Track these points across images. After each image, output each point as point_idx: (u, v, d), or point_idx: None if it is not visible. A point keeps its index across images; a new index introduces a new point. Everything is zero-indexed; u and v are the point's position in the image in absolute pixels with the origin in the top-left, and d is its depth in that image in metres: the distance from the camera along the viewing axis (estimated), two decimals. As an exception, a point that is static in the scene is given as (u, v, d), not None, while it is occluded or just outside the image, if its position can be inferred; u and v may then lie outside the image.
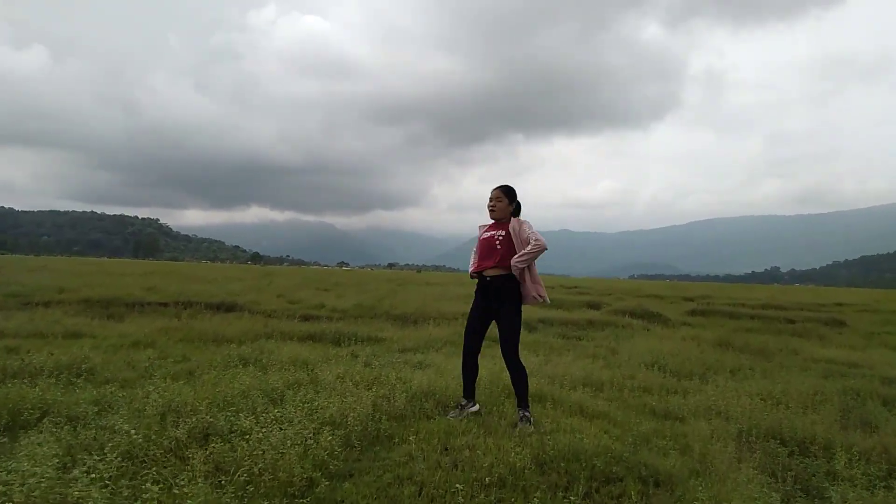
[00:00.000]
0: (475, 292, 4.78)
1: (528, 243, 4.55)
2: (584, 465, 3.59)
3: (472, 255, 4.87)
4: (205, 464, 3.17)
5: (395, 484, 3.30)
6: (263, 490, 3.01)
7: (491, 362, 6.23)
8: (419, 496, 3.16)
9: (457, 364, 6.39)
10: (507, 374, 4.76)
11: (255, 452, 3.27)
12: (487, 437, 3.97)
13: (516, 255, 4.56)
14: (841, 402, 6.24)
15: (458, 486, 3.09)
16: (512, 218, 4.74)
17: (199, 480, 2.90)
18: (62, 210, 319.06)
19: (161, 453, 3.30)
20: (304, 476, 3.18)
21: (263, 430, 3.61)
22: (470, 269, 4.85)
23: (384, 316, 13.21)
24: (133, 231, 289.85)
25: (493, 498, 3.17)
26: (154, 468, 3.13)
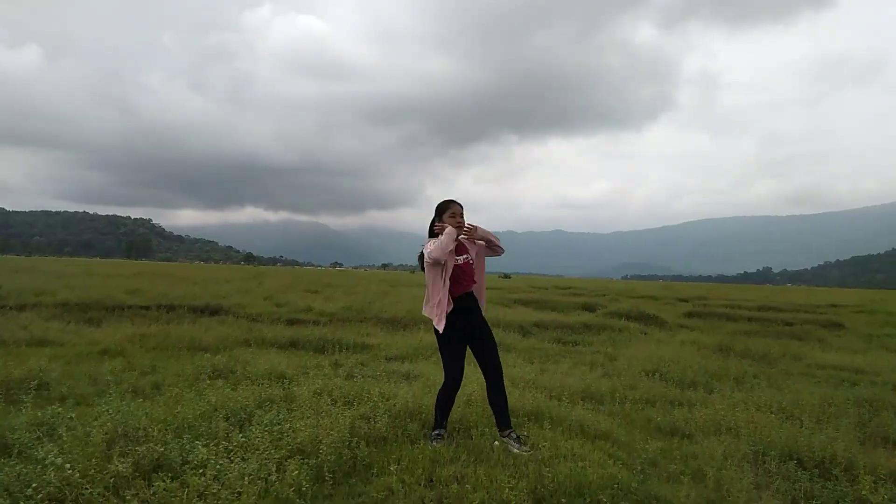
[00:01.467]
0: (451, 318, 4.12)
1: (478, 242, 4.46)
2: (588, 499, 3.15)
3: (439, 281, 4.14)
4: (147, 506, 2.72)
5: (371, 528, 2.85)
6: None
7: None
8: (398, 544, 2.71)
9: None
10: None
11: (207, 491, 2.80)
12: (478, 465, 3.50)
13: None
14: (856, 415, 5.86)
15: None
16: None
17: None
18: (54, 210, 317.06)
19: (98, 492, 2.82)
20: (264, 521, 2.72)
21: (222, 461, 3.14)
22: (446, 305, 4.11)
23: (373, 320, 12.73)
24: (125, 231, 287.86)
25: (483, 545, 2.72)
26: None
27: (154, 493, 2.77)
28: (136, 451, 3.25)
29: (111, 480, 2.91)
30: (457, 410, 4.51)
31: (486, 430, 4.15)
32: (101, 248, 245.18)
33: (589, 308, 19.80)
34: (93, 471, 2.96)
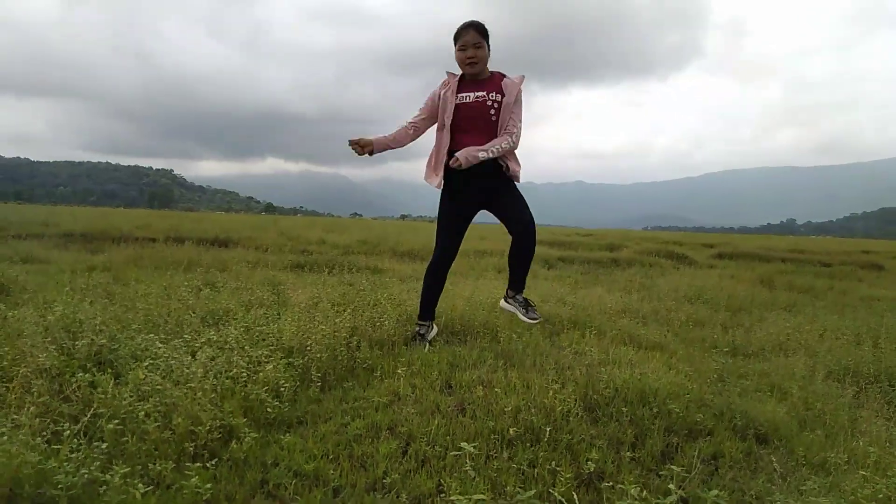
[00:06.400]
0: (449, 183, 3.22)
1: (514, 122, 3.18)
2: (655, 410, 2.39)
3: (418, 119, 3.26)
4: (70, 403, 2.01)
5: (368, 436, 2.11)
6: (144, 447, 1.83)
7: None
8: (403, 456, 1.98)
9: (464, 289, 5.17)
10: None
11: (149, 387, 2.08)
12: (509, 370, 2.76)
13: (500, 139, 3.14)
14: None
15: (463, 444, 1.82)
16: (506, 76, 3.28)
17: (28, 432, 1.72)
18: (78, 161, 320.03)
19: (9, 388, 2.13)
20: (221, 424, 2.00)
21: (180, 356, 2.42)
22: (442, 153, 3.17)
23: (389, 252, 12.03)
24: (147, 182, 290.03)
25: (521, 459, 1.98)
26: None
27: (76, 388, 2.06)
28: (73, 345, 2.55)
29: (28, 375, 2.20)
30: (481, 314, 3.76)
31: (515, 335, 3.38)
32: (125, 197, 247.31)
33: (614, 248, 19.01)
34: (6, 363, 2.26)
